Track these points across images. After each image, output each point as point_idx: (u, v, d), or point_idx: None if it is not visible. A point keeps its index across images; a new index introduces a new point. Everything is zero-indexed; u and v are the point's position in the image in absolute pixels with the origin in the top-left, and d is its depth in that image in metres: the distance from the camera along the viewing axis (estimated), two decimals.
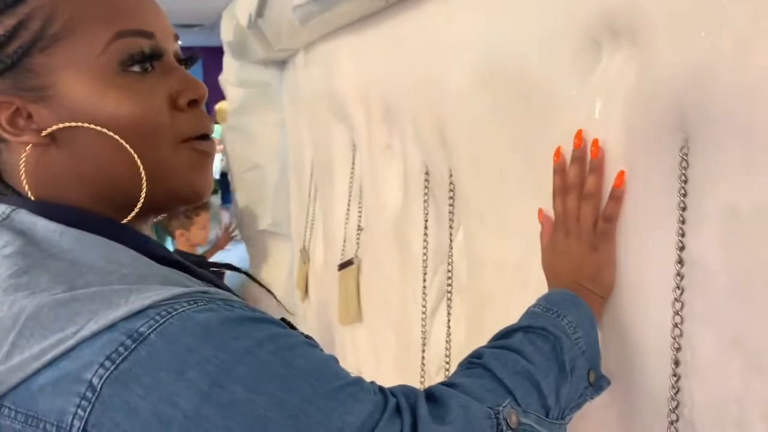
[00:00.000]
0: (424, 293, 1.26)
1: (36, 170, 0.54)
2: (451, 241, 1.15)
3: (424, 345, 1.28)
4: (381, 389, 0.50)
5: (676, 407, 0.68)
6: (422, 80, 1.13)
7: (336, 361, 0.50)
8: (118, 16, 0.54)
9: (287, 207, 2.61)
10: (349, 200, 1.75)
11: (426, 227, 1.22)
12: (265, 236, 2.68)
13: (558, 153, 0.80)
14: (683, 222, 0.65)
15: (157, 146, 0.55)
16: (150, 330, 0.44)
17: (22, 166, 0.54)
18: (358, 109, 1.48)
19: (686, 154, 0.65)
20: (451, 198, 1.12)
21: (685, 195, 0.65)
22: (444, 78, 1.05)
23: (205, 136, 0.59)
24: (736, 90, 0.60)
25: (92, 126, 0.53)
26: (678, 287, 0.66)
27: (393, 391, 0.51)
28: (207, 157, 0.59)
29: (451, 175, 1.11)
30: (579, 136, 0.77)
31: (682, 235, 0.65)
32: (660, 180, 0.68)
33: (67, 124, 0.53)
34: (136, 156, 0.54)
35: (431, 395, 0.54)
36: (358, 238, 1.70)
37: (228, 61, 2.58)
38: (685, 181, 0.65)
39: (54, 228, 0.52)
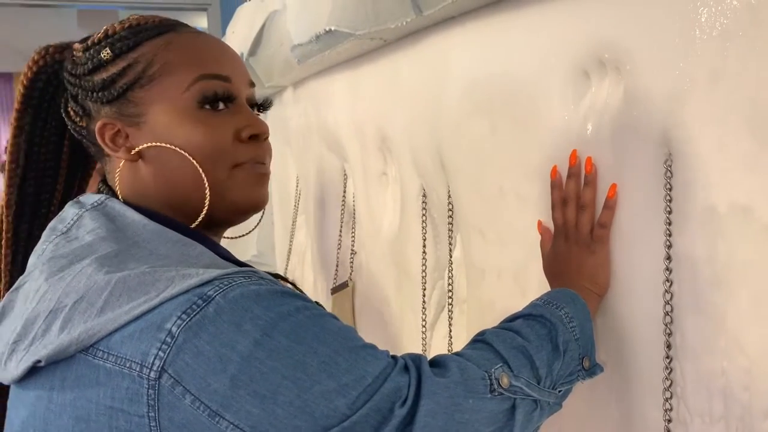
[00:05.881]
0: (423, 308, 1.35)
1: (126, 179, 0.68)
2: (450, 256, 1.25)
3: None
4: (393, 355, 0.63)
5: (670, 386, 0.78)
6: (420, 110, 1.23)
7: (356, 332, 0.62)
8: (202, 62, 0.68)
9: (271, 238, 2.68)
10: (341, 226, 1.84)
11: (424, 246, 1.32)
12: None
13: (555, 171, 0.91)
14: (670, 224, 0.76)
15: (217, 168, 0.68)
16: (216, 294, 0.57)
17: (117, 176, 0.68)
18: (353, 141, 1.58)
19: (670, 166, 0.76)
20: (450, 217, 1.22)
21: (670, 200, 0.76)
22: (442, 107, 1.16)
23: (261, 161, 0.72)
24: (708, 111, 0.72)
25: (171, 147, 0.66)
26: (667, 280, 0.77)
27: (402, 356, 0.64)
28: (261, 177, 0.72)
29: (449, 196, 1.21)
30: (574, 155, 0.88)
31: (669, 235, 0.76)
32: (647, 189, 0.79)
33: (152, 144, 0.66)
34: (202, 173, 0.66)
35: (434, 360, 0.66)
36: (351, 262, 1.79)
37: None
38: (670, 189, 0.76)
39: (139, 218, 0.64)
